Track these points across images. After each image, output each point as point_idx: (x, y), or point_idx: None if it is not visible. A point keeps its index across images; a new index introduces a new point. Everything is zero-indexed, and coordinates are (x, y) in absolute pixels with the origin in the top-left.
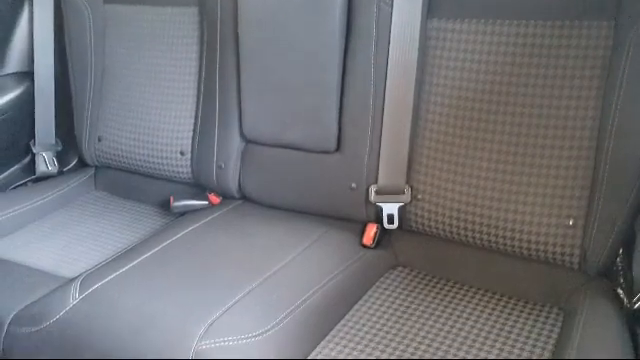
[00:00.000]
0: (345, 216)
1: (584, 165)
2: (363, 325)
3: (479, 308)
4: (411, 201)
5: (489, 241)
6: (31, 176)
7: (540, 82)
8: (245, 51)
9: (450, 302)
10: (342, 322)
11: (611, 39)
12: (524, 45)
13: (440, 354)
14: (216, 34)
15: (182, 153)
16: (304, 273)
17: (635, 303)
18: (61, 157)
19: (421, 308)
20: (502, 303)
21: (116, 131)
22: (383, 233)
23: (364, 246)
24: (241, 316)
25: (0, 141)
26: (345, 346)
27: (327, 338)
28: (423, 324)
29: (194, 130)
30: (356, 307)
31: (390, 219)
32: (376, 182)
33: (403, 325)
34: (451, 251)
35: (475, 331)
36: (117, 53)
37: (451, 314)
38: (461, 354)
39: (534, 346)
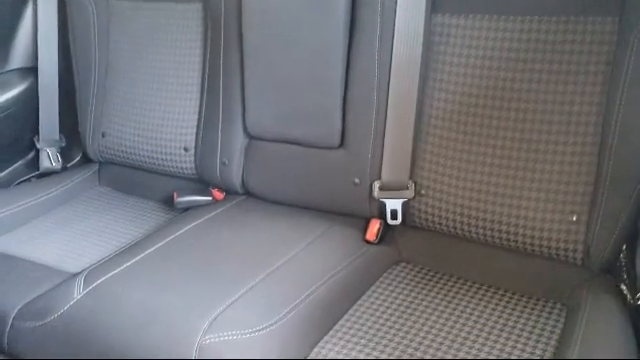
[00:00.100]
0: (348, 212)
1: (588, 161)
2: (366, 320)
3: (482, 303)
4: (415, 197)
5: (492, 237)
6: (35, 172)
7: (544, 78)
8: (249, 47)
9: (453, 298)
10: (345, 317)
11: (615, 35)
12: (528, 41)
13: (443, 349)
14: (220, 30)
15: (186, 149)
16: (307, 268)
17: (638, 299)
18: (65, 153)
19: (424, 303)
20: (505, 299)
21: (120, 127)
22: (386, 229)
23: (367, 242)
24: (245, 311)
25: (4, 137)
26: (348, 341)
27: (330, 333)
28: (426, 319)
29: (198, 126)
30: (359, 302)
31: (393, 215)
32: (380, 178)
33: (406, 320)
34: (454, 247)
35: (478, 326)
36: (121, 49)
37: (454, 309)
38: (464, 349)
39: (537, 342)
